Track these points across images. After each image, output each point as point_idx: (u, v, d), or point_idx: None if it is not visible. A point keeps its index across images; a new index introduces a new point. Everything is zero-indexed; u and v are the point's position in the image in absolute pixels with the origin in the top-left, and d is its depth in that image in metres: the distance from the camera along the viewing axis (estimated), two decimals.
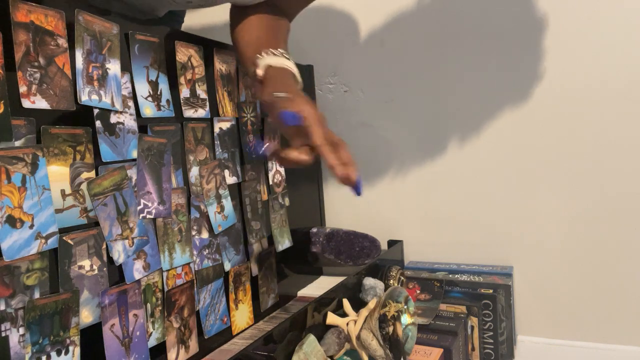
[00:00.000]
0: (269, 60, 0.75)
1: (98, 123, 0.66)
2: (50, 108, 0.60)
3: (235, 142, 0.94)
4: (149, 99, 0.75)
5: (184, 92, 0.82)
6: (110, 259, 0.67)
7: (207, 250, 0.85)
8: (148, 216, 0.73)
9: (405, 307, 0.91)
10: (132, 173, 0.71)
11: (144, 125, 0.74)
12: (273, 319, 0.99)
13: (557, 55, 1.10)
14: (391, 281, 1.09)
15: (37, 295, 0.58)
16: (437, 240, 1.26)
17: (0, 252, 0.54)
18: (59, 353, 0.59)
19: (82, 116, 0.64)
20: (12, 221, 0.55)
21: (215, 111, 0.89)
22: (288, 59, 0.78)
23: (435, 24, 1.21)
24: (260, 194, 1.01)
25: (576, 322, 1.14)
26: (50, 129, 0.60)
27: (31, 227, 0.57)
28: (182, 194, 0.80)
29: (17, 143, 0.57)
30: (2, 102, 0.55)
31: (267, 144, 0.75)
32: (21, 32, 0.57)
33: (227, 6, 0.93)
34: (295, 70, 0.78)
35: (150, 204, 0.73)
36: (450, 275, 1.15)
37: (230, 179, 0.92)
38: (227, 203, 0.90)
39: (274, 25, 0.85)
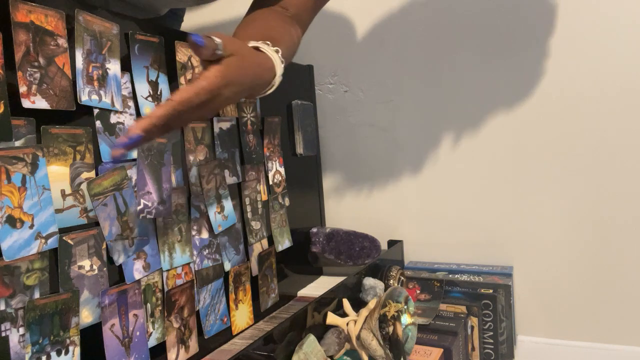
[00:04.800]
0: (258, 44, 0.65)
1: (98, 123, 0.66)
2: (50, 108, 0.60)
3: (235, 142, 0.94)
4: (149, 99, 0.75)
5: None
6: (110, 259, 0.67)
7: (207, 250, 0.85)
8: (148, 216, 0.73)
9: (405, 307, 0.91)
10: (132, 173, 0.71)
11: None
12: (273, 319, 0.99)
13: (557, 54, 1.11)
14: (391, 281, 1.09)
15: (37, 295, 0.58)
16: (437, 240, 1.26)
17: (0, 252, 0.54)
18: (59, 353, 0.59)
19: (82, 116, 0.64)
20: (12, 221, 0.55)
21: None
22: (278, 54, 0.67)
23: (435, 24, 1.21)
24: (260, 194, 1.01)
25: (576, 322, 1.14)
26: (50, 129, 0.60)
27: (31, 227, 0.57)
28: (182, 194, 0.80)
29: (17, 143, 0.57)
30: (2, 102, 0.55)
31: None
32: (21, 32, 0.57)
33: (226, 6, 0.93)
34: (277, 62, 0.66)
35: (150, 204, 0.73)
36: (450, 275, 1.15)
37: (230, 179, 0.92)
38: (227, 203, 0.90)
39: (281, 25, 0.78)
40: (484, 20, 1.16)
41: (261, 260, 0.99)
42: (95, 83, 0.66)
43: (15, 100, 0.56)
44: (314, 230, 1.19)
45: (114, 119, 0.69)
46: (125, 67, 0.71)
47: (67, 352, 0.60)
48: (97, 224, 0.65)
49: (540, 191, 1.15)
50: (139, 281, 0.71)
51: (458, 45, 1.19)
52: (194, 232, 0.82)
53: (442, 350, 0.92)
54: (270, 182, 1.04)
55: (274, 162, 1.06)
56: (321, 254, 1.16)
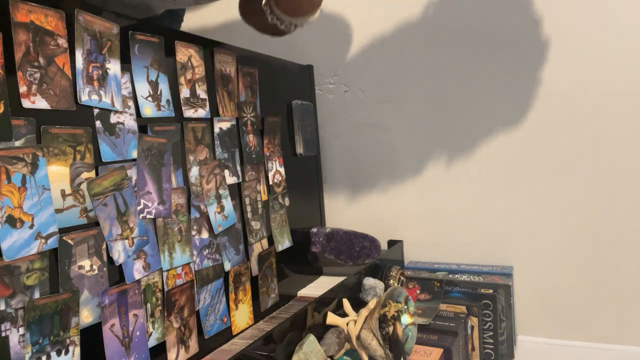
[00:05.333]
0: None
1: (98, 123, 0.66)
2: (50, 108, 0.60)
3: (235, 142, 0.94)
4: (149, 99, 0.75)
5: (184, 92, 0.82)
6: (110, 259, 0.67)
7: (207, 250, 0.85)
8: (148, 216, 0.73)
9: (405, 307, 0.91)
10: (132, 173, 0.71)
11: (144, 125, 0.74)
12: (273, 319, 0.99)
13: (559, 56, 1.11)
14: (391, 281, 1.09)
15: (37, 295, 0.58)
16: (437, 240, 1.26)
17: (0, 252, 0.54)
18: (59, 353, 0.59)
19: (82, 116, 0.64)
20: (12, 221, 0.55)
21: (215, 111, 0.89)
22: None
23: (436, 25, 1.21)
24: (260, 194, 1.01)
25: (576, 322, 1.14)
26: (50, 129, 0.60)
27: (31, 227, 0.57)
28: (182, 194, 0.80)
29: (17, 143, 0.57)
30: (2, 102, 0.55)
31: None
32: (21, 32, 0.57)
33: (226, 6, 0.93)
34: None
35: (150, 204, 0.73)
36: (450, 275, 1.15)
37: (230, 179, 0.92)
38: (227, 203, 0.90)
39: None
40: (485, 22, 1.16)
41: (261, 260, 0.99)
42: (95, 83, 0.66)
43: (15, 100, 0.56)
44: (314, 230, 1.19)
45: (114, 119, 0.69)
46: (125, 67, 0.71)
47: (67, 352, 0.60)
48: (97, 224, 0.65)
49: (540, 191, 1.15)
50: (139, 281, 0.71)
51: (458, 45, 1.19)
52: (194, 232, 0.82)
53: (442, 350, 0.92)
54: (270, 182, 1.04)
55: (274, 162, 1.06)
56: (321, 254, 1.16)
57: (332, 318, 0.87)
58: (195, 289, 0.82)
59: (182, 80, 0.82)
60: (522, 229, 1.17)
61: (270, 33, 0.84)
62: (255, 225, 0.98)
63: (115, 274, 0.68)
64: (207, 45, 0.87)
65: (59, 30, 0.61)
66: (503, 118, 1.17)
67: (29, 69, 0.58)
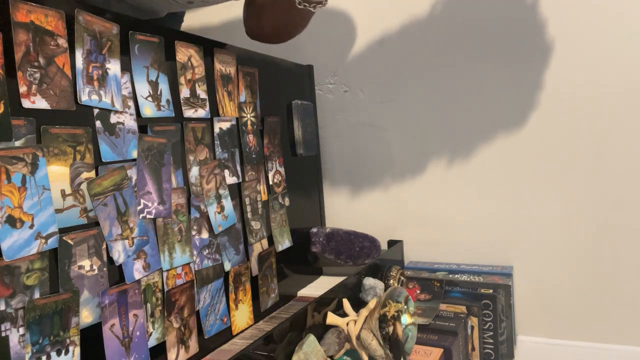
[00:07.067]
0: None
1: (98, 123, 0.66)
2: (50, 108, 0.60)
3: (235, 142, 0.94)
4: (149, 99, 0.75)
5: (184, 92, 0.82)
6: (110, 259, 0.67)
7: (207, 250, 0.85)
8: (148, 216, 0.73)
9: (405, 307, 0.91)
10: (132, 173, 0.71)
11: (144, 125, 0.74)
12: (273, 319, 0.99)
13: (559, 58, 1.10)
14: (391, 281, 1.09)
15: (37, 295, 0.58)
16: (437, 240, 1.26)
17: (0, 252, 0.54)
18: (59, 353, 0.59)
19: (82, 116, 0.64)
20: (12, 221, 0.55)
21: (215, 111, 0.89)
22: None
23: (436, 25, 1.21)
24: (260, 194, 1.01)
25: (576, 322, 1.14)
26: (50, 129, 0.60)
27: (31, 227, 0.57)
28: (182, 194, 0.80)
29: (17, 143, 0.57)
30: (2, 102, 0.55)
31: None
32: (21, 32, 0.57)
33: (227, 6, 0.93)
34: None
35: (150, 204, 0.73)
36: (450, 275, 1.15)
37: (230, 179, 0.92)
38: (227, 203, 0.90)
39: None
40: (485, 22, 1.16)
41: (261, 260, 0.99)
42: (95, 83, 0.66)
43: (15, 100, 0.56)
44: (314, 230, 1.19)
45: (114, 119, 0.69)
46: (125, 67, 0.71)
47: (67, 352, 0.60)
48: (97, 224, 0.65)
49: (540, 191, 1.15)
50: (139, 281, 0.71)
51: (458, 45, 1.19)
52: (194, 232, 0.82)
53: (442, 350, 0.92)
54: (270, 182, 1.04)
55: (274, 162, 1.06)
56: (321, 254, 1.16)
57: (332, 318, 0.87)
58: (195, 289, 0.82)
59: (182, 80, 0.82)
60: (522, 229, 1.17)
61: (289, 30, 0.85)
62: (255, 225, 0.98)
63: (115, 274, 0.68)
64: (207, 45, 0.87)
65: (59, 30, 0.61)
66: (503, 118, 1.17)
67: (29, 69, 0.58)
